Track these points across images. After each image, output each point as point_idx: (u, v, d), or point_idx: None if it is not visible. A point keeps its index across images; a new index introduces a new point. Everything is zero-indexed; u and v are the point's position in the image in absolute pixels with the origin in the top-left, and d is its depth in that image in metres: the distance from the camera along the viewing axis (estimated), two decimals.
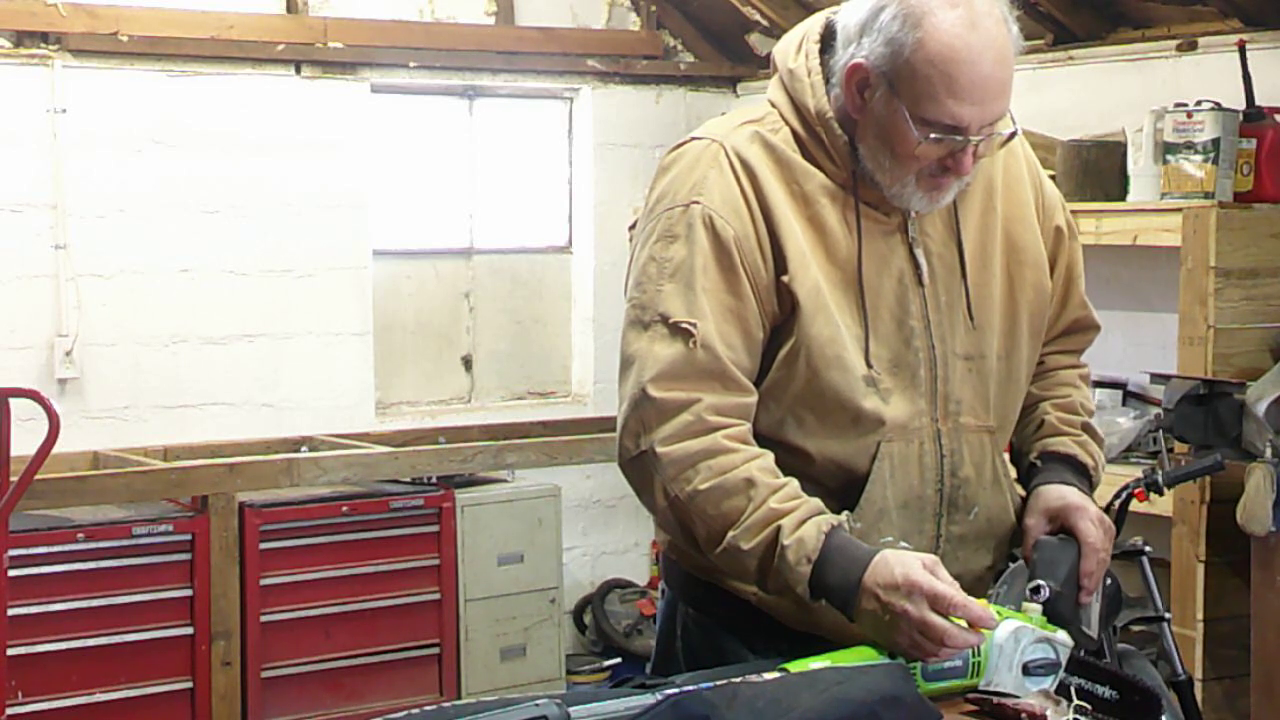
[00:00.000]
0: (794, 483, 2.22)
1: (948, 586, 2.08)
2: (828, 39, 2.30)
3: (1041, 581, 2.24)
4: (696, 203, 2.25)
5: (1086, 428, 2.49)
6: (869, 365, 2.27)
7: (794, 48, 2.33)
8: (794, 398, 2.28)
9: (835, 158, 2.28)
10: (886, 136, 2.22)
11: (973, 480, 2.35)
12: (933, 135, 2.18)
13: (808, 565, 2.14)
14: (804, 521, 2.16)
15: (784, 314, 2.26)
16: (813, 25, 2.33)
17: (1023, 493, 2.44)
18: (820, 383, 2.26)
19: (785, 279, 2.24)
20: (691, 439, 2.20)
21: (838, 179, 2.28)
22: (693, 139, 2.34)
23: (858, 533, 2.24)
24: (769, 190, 2.26)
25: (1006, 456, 2.46)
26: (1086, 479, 2.43)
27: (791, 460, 2.28)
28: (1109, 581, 3.56)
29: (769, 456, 2.23)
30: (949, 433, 2.34)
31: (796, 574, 2.14)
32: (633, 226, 2.42)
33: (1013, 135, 2.28)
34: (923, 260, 2.32)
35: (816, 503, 2.20)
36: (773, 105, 2.34)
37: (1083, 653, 2.25)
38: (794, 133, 2.30)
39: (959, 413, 2.35)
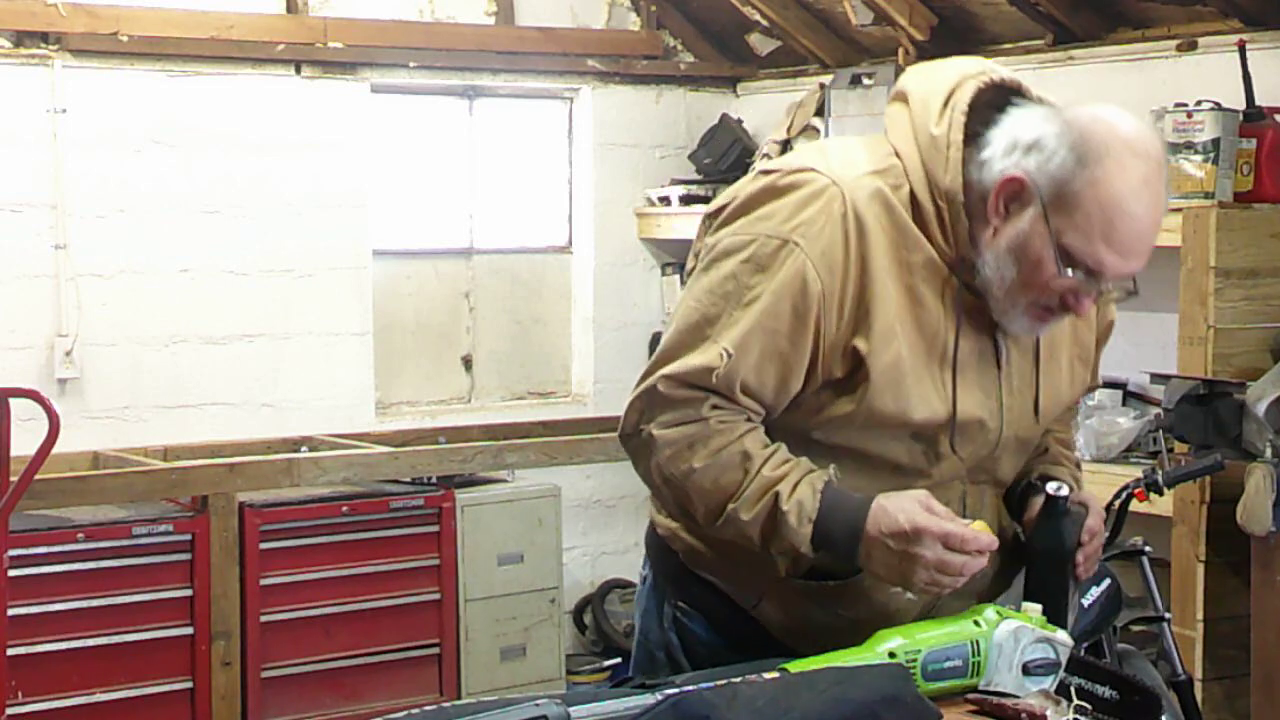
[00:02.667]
0: (782, 447, 2.25)
1: (952, 524, 2.16)
2: (974, 110, 2.23)
3: (1061, 483, 2.32)
4: (797, 244, 2.21)
5: (1079, 465, 2.58)
6: (954, 450, 2.30)
7: (938, 110, 2.24)
8: (836, 447, 2.30)
9: (949, 238, 2.24)
10: (1021, 255, 2.19)
11: None
12: (1070, 271, 2.16)
13: (809, 525, 2.20)
14: (798, 484, 2.21)
15: (843, 373, 2.25)
16: (962, 93, 2.24)
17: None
18: (868, 445, 2.28)
19: (859, 344, 2.22)
20: (688, 424, 2.25)
21: (945, 257, 2.25)
22: (813, 170, 2.26)
23: (872, 583, 2.28)
24: (875, 255, 2.22)
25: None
26: None
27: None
28: (1108, 581, 3.57)
29: (760, 430, 2.26)
30: (974, 493, 2.39)
31: (799, 535, 2.20)
32: (712, 215, 2.36)
33: (1131, 294, 2.25)
34: (1003, 344, 2.32)
35: (805, 462, 2.24)
36: (898, 156, 2.27)
37: (1083, 651, 2.26)
38: (914, 195, 2.24)
39: (989, 480, 2.40)
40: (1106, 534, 3.89)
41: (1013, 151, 2.18)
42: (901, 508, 2.16)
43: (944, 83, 2.27)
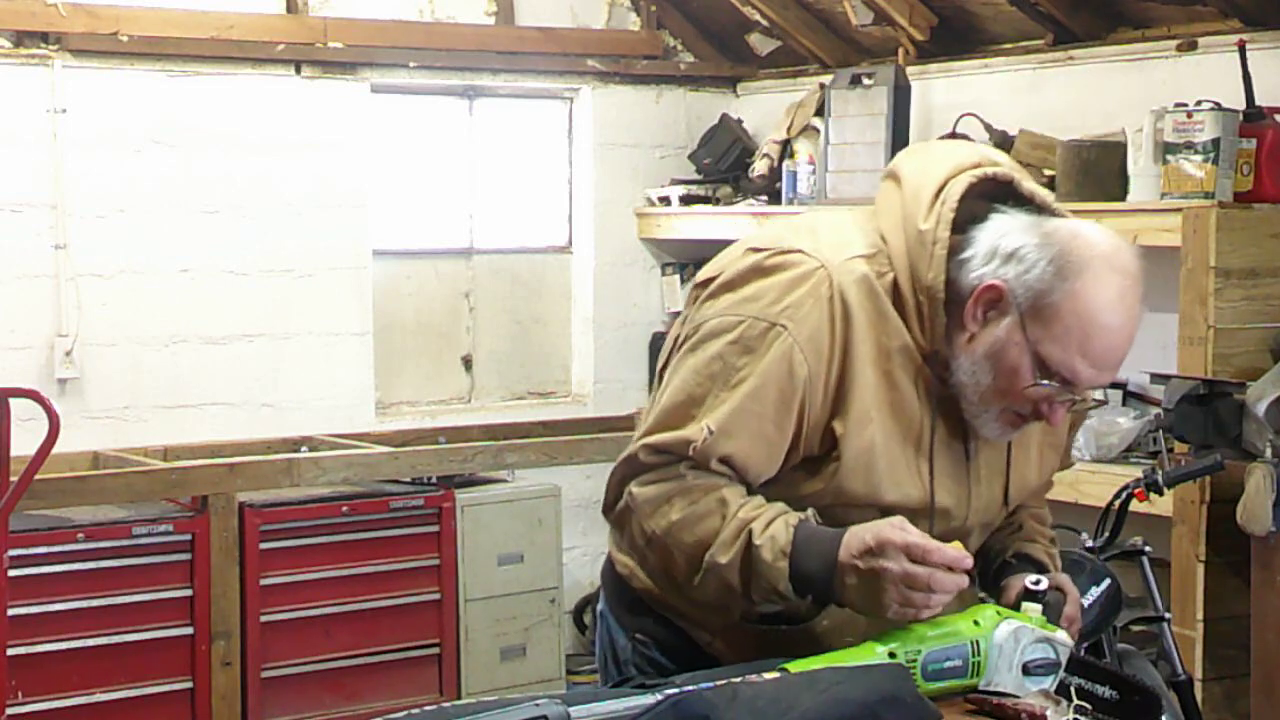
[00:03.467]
0: (759, 496, 2.25)
1: (919, 537, 2.12)
2: (963, 202, 2.23)
3: (1041, 576, 2.28)
4: (784, 327, 2.21)
5: (1053, 540, 2.57)
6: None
7: (928, 202, 2.25)
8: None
9: (925, 331, 2.25)
10: (997, 363, 2.21)
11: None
12: (1045, 381, 2.18)
13: (784, 559, 2.17)
14: (772, 521, 2.20)
15: (820, 452, 2.26)
16: (954, 187, 2.24)
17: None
18: (835, 517, 2.27)
19: (836, 425, 2.24)
20: (665, 481, 2.25)
21: (920, 348, 2.26)
22: (801, 252, 2.26)
23: (825, 629, 2.27)
24: (857, 339, 2.23)
25: None
26: None
27: None
28: (1109, 581, 3.57)
29: (739, 485, 2.26)
30: None
31: (775, 571, 2.17)
32: (702, 284, 2.36)
33: (1100, 404, 2.32)
34: (973, 435, 2.33)
35: (781, 505, 2.23)
36: (884, 241, 2.28)
37: (1083, 651, 2.26)
38: (896, 284, 2.25)
39: None
40: (1106, 535, 3.91)
41: (992, 259, 2.20)
42: (869, 527, 2.16)
43: (938, 173, 2.27)
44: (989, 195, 2.25)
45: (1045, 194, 2.30)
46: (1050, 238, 2.18)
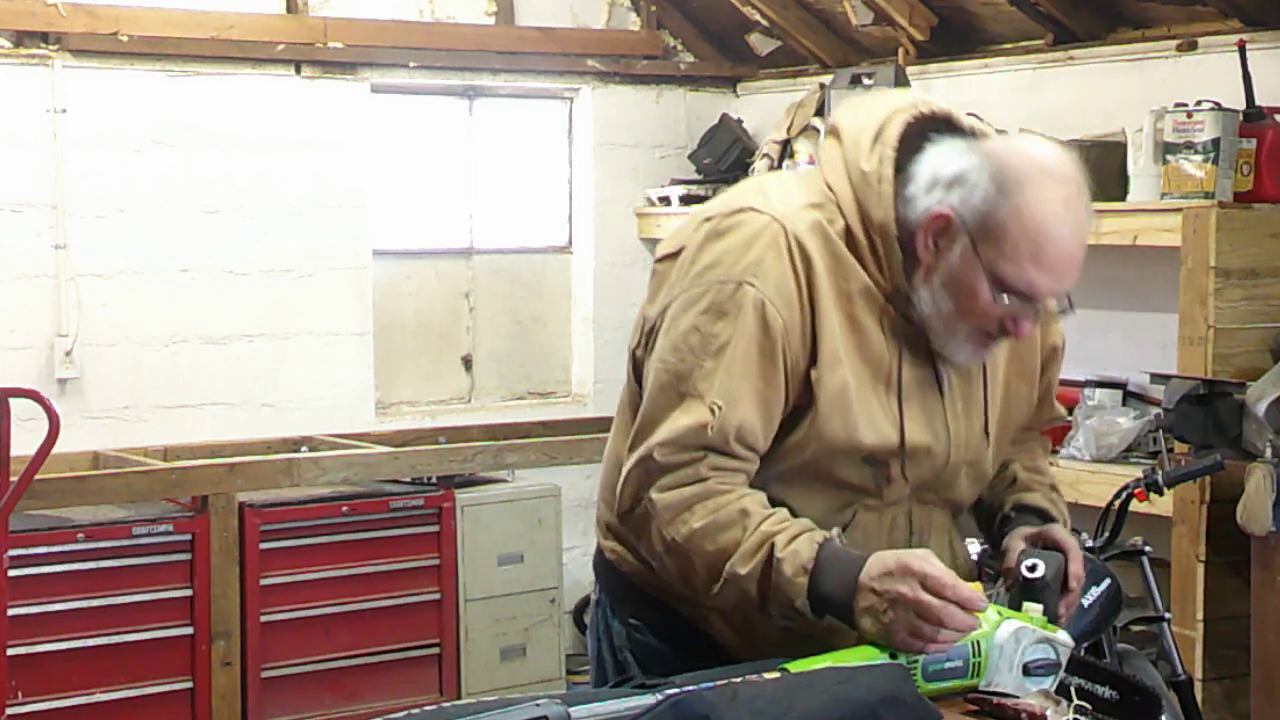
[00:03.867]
0: (784, 510, 2.25)
1: (939, 570, 2.12)
2: (904, 142, 2.26)
3: (1037, 560, 2.28)
4: (751, 284, 2.23)
5: (1054, 487, 2.56)
6: (904, 476, 2.32)
7: (868, 145, 2.27)
8: (789, 469, 2.30)
9: (884, 269, 2.27)
10: (956, 288, 2.22)
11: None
12: (1006, 298, 2.20)
13: (804, 576, 2.16)
14: (797, 536, 2.19)
15: (804, 402, 2.27)
16: (891, 127, 2.27)
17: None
18: (820, 467, 2.29)
19: (812, 372, 2.25)
20: (686, 485, 2.24)
21: (882, 288, 2.28)
22: (752, 210, 2.29)
23: None
24: (820, 284, 2.25)
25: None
26: None
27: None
28: (1109, 581, 3.57)
29: (761, 494, 2.26)
30: (921, 512, 2.39)
31: (795, 586, 2.17)
32: (662, 259, 2.37)
33: (1066, 311, 2.31)
34: (944, 372, 2.34)
35: (806, 521, 2.23)
36: (831, 191, 2.30)
37: (1083, 651, 2.26)
38: (848, 229, 2.27)
39: (938, 501, 2.41)
40: (1106, 535, 3.92)
41: (934, 188, 2.22)
42: (894, 553, 2.16)
43: (874, 117, 2.29)
44: (928, 135, 2.27)
45: (984, 126, 2.31)
46: (988, 157, 2.20)
